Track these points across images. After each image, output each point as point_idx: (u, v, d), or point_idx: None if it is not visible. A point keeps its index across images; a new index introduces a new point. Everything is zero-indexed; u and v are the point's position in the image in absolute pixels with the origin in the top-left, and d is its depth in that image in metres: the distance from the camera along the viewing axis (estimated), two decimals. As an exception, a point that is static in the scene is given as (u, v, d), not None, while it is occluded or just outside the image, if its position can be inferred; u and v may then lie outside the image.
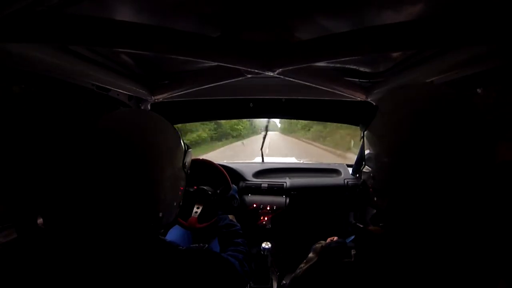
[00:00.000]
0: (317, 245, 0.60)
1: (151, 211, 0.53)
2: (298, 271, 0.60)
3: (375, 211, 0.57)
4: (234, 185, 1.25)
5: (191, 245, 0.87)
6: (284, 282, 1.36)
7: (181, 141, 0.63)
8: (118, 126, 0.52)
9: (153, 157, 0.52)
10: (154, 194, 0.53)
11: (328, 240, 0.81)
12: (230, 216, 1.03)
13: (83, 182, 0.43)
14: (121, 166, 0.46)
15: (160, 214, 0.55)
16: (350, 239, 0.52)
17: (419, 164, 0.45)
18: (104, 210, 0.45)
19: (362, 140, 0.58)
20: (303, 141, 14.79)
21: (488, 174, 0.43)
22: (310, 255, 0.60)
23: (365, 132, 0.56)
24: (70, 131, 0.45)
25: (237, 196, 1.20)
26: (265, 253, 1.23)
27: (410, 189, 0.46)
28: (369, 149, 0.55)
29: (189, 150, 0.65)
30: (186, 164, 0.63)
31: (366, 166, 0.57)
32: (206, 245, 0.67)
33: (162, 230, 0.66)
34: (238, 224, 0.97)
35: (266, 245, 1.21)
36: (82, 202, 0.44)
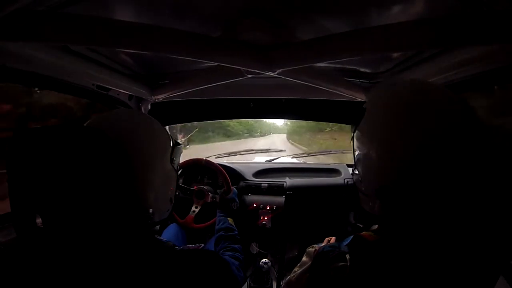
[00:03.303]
0: (310, 248, 0.59)
1: (141, 207, 0.54)
2: (292, 274, 0.60)
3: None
4: (234, 188, 1.25)
5: (188, 245, 0.87)
6: (283, 281, 1.37)
7: (170, 137, 0.64)
8: (105, 125, 0.52)
9: (140, 154, 0.53)
10: (143, 191, 0.54)
11: (325, 240, 0.81)
12: (230, 220, 1.03)
13: (72, 181, 0.44)
14: (107, 164, 0.46)
15: (151, 211, 0.56)
16: (347, 241, 0.51)
17: (410, 166, 0.42)
18: (93, 208, 0.45)
19: (352, 141, 0.56)
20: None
21: (484, 173, 0.41)
22: (304, 259, 0.59)
23: (355, 133, 0.54)
24: (60, 131, 0.45)
25: (237, 200, 1.21)
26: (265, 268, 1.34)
27: (400, 192, 0.44)
28: (358, 150, 0.53)
29: (178, 146, 0.66)
30: (175, 159, 0.64)
31: (357, 168, 0.54)
32: (202, 245, 0.68)
33: (158, 227, 0.66)
34: (236, 230, 0.98)
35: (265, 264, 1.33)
36: (72, 201, 0.44)
